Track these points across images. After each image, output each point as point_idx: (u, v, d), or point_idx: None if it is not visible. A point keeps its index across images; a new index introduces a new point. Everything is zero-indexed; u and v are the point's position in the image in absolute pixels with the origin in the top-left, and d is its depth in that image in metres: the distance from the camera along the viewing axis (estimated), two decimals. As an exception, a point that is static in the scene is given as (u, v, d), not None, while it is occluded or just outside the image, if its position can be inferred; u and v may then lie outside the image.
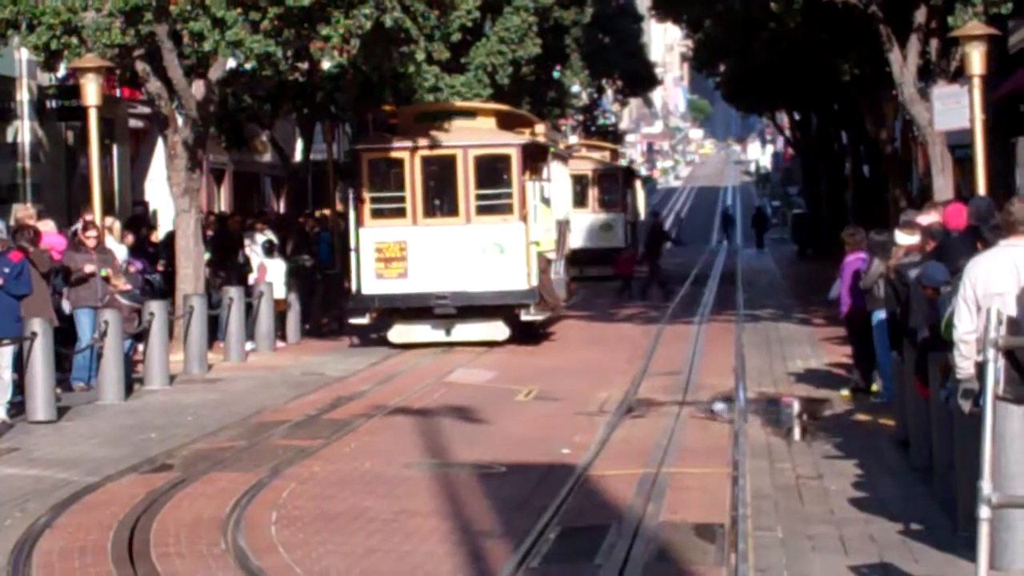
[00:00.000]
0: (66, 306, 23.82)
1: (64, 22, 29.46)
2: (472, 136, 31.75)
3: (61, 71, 33.53)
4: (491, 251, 30.56)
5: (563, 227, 37.43)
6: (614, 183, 58.42)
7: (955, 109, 27.90)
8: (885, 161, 45.53)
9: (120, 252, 26.37)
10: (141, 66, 29.87)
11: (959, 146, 29.86)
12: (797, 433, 18.88)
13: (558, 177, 37.31)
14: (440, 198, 31.99)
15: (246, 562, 12.85)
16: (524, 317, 30.86)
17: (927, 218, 18.36)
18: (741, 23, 41.78)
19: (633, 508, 14.71)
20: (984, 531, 9.61)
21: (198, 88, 30.30)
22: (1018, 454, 11.09)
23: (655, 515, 14.38)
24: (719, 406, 20.70)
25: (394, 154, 31.68)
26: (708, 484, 15.98)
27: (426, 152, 31.29)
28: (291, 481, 16.66)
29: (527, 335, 31.66)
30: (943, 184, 29.66)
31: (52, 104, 37.94)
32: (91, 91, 26.15)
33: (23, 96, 39.43)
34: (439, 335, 30.73)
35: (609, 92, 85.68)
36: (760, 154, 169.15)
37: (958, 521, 12.48)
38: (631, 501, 15.09)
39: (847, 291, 21.90)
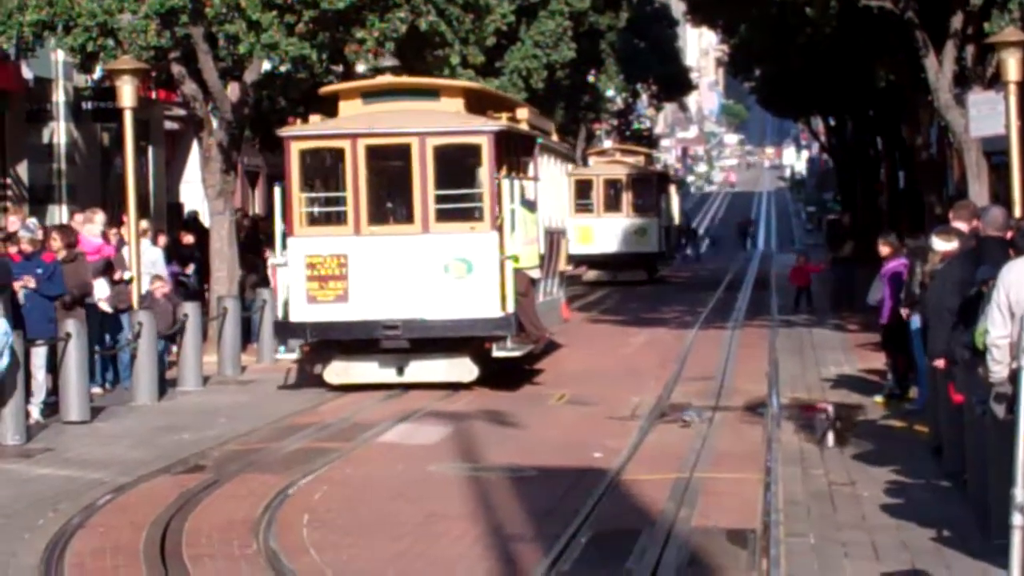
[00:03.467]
0: (105, 306, 23.97)
1: (100, 24, 29.61)
2: (433, 121, 24.60)
3: (97, 73, 33.66)
4: (455, 268, 23.65)
5: (557, 238, 30.48)
6: (648, 188, 58.40)
7: (991, 116, 27.85)
8: (920, 167, 45.48)
9: (154, 254, 26.48)
10: (176, 68, 30.01)
11: (995, 152, 29.80)
12: (830, 439, 18.85)
13: (552, 176, 30.34)
14: (391, 200, 25.96)
15: (278, 564, 12.88)
16: (497, 353, 24.11)
17: (962, 224, 18.33)
18: (777, 28, 41.71)
19: (665, 513, 14.69)
20: (1017, 539, 9.62)
21: (233, 90, 30.43)
22: (1052, 461, 11.08)
23: (687, 520, 14.36)
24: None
25: (332, 143, 24.93)
26: (740, 489, 15.95)
27: (373, 141, 24.30)
28: (323, 483, 16.70)
29: (503, 375, 24.86)
30: (978, 190, 29.60)
31: (88, 106, 38.11)
32: (127, 93, 26.20)
33: (59, 98, 39.63)
34: (388, 375, 24.16)
35: (644, 96, 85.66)
36: (795, 159, 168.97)
37: (991, 528, 12.42)
38: (663, 506, 15.06)
39: (889, 297, 21.82)
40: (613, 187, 57.33)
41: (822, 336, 33.71)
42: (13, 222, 24.49)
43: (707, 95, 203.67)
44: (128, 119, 26.89)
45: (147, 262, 25.65)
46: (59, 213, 36.02)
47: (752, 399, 23.25)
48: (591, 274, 57.38)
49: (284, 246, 24.29)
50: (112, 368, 24.51)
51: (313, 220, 24.75)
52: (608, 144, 73.01)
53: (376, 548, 13.53)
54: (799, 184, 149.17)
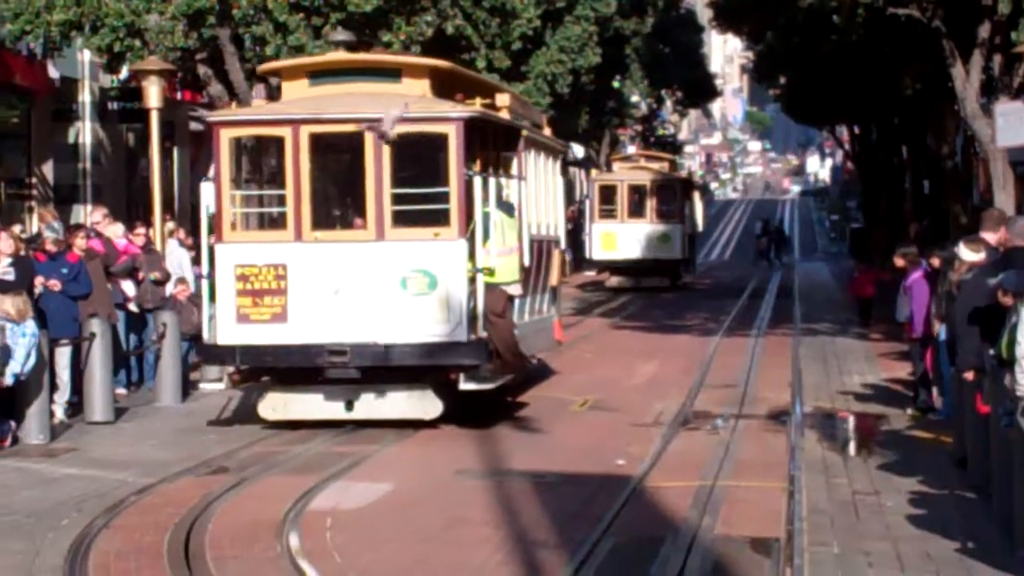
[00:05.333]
0: (131, 306, 24.06)
1: (127, 24, 29.79)
2: (391, 105, 20.00)
3: (123, 73, 33.80)
4: (415, 283, 19.55)
5: (548, 247, 25.38)
6: (672, 194, 58.34)
7: (1018, 125, 27.82)
8: (945, 176, 45.45)
9: (181, 255, 26.55)
10: (203, 69, 30.15)
11: (1021, 163, 29.76)
12: (853, 449, 18.83)
13: (542, 175, 25.34)
14: (340, 200, 21.96)
15: (301, 567, 12.91)
16: (465, 385, 19.92)
17: (990, 235, 18.32)
18: (802, 34, 41.72)
19: (688, 521, 14.68)
20: (1043, 551, 9.61)
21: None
22: (1078, 474, 11.10)
23: (710, 528, 14.35)
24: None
25: (269, 130, 20.66)
26: (764, 498, 15.94)
27: (318, 128, 20.04)
28: (346, 487, 16.73)
29: (472, 409, 20.74)
30: (1004, 200, 29.57)
31: (114, 106, 38.27)
32: (153, 93, 26.36)
33: (85, 98, 39.84)
34: (335, 410, 20.03)
35: (668, 103, 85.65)
36: (819, 167, 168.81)
37: (1015, 540, 12.43)
38: (686, 513, 15.05)
39: (919, 311, 21.66)
40: (637, 193, 57.32)
41: (845, 345, 33.68)
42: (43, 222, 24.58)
43: (731, 102, 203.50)
44: (154, 120, 27.05)
45: (175, 263, 25.73)
46: (84, 213, 36.12)
47: (775, 407, 23.24)
48: (614, 280, 57.37)
49: (211, 254, 20.21)
50: (137, 368, 24.58)
51: (245, 223, 20.73)
52: (632, 150, 73.06)
53: (399, 552, 13.56)
54: (822, 192, 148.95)
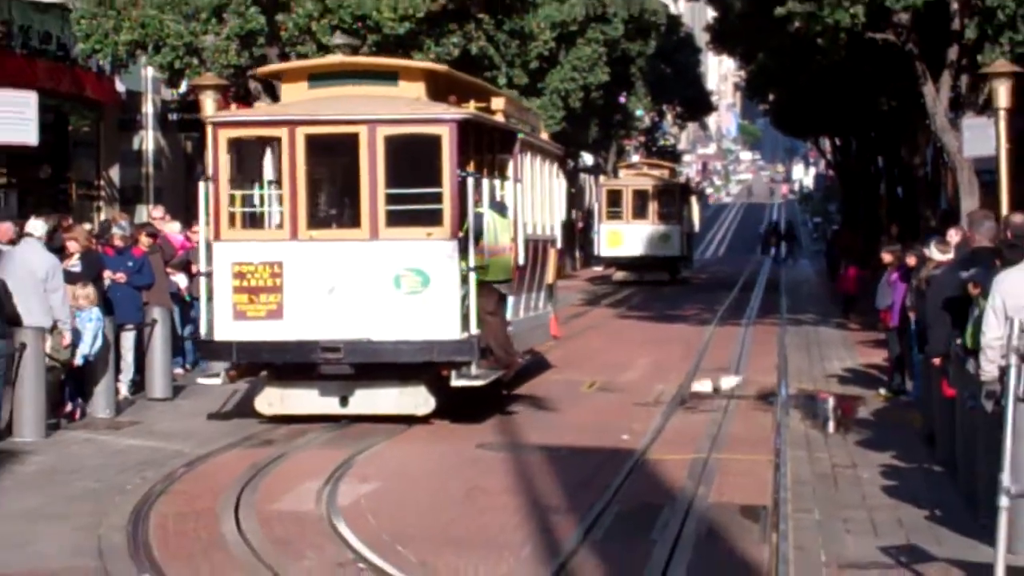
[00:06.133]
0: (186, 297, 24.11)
1: (186, 44, 29.81)
2: (386, 107, 18.80)
3: (182, 87, 33.84)
4: (408, 281, 18.14)
5: (544, 247, 24.13)
6: (672, 198, 58.35)
7: (982, 138, 27.78)
8: (917, 184, 45.35)
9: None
10: (253, 84, 30.11)
11: (985, 171, 29.67)
12: (833, 426, 18.82)
13: (539, 177, 23.85)
14: (335, 200, 20.85)
15: (339, 525, 12.92)
16: (456, 382, 18.43)
17: (956, 235, 18.37)
18: (790, 56, 41.60)
19: (685, 490, 14.68)
20: (1003, 519, 9.59)
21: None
22: (1035, 450, 11.08)
23: (705, 497, 14.35)
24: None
25: (266, 131, 19.28)
26: (753, 470, 15.94)
27: (314, 130, 18.54)
28: (379, 458, 16.75)
29: (466, 405, 19.13)
30: (970, 205, 29.47)
31: (173, 117, 38.37)
32: (208, 106, 26.26)
33: (148, 109, 39.89)
34: (330, 405, 18.61)
35: (669, 116, 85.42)
36: (804, 175, 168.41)
37: (979, 509, 12.40)
38: (683, 483, 15.06)
39: (899, 302, 21.68)
40: (640, 197, 57.31)
41: (826, 334, 33.64)
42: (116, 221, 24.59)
43: (725, 116, 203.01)
44: (210, 129, 27.01)
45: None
46: (146, 213, 36.17)
47: (763, 389, 23.23)
48: (619, 274, 57.40)
49: (209, 252, 18.74)
50: (192, 352, 24.57)
51: (243, 222, 19.06)
52: (636, 158, 72.85)
53: (426, 517, 13.57)
54: (807, 197, 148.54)
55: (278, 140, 18.88)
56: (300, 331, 18.09)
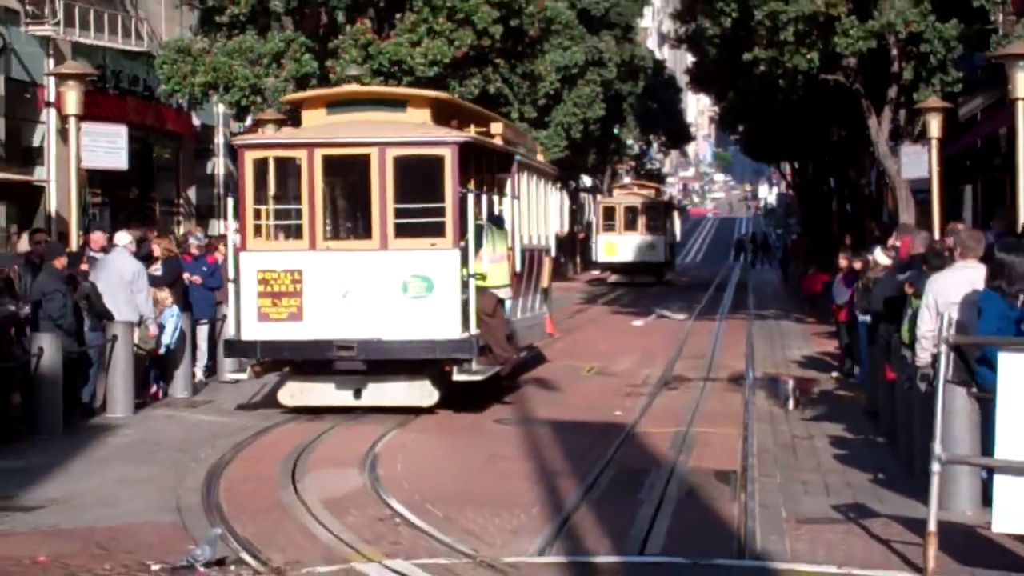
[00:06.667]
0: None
1: (251, 85, 29.83)
2: (395, 131, 17.98)
3: (247, 121, 33.85)
4: (414, 287, 17.32)
5: (539, 255, 23.07)
6: (657, 213, 58.42)
7: (917, 163, 27.81)
8: (863, 200, 45.25)
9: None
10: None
11: (920, 190, 29.63)
12: (792, 404, 18.79)
13: (535, 194, 22.82)
14: (348, 214, 19.76)
15: (378, 488, 12.92)
16: (457, 376, 17.56)
17: (897, 243, 18.37)
18: (756, 95, 41.54)
19: (668, 458, 14.66)
20: (935, 482, 9.59)
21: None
22: (961, 424, 11.07)
23: (685, 463, 14.34)
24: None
25: (288, 152, 18.18)
26: (725, 441, 15.90)
27: (330, 151, 17.76)
28: (412, 431, 16.72)
29: (466, 397, 18.26)
30: (907, 218, 29.45)
31: (240, 146, 38.37)
32: (270, 137, 26.29)
33: (219, 140, 39.99)
34: (345, 397, 17.76)
35: (654, 144, 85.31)
36: (768, 193, 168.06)
37: (915, 473, 12.39)
38: (666, 452, 15.04)
39: (847, 301, 21.75)
40: (631, 212, 57.36)
41: (788, 327, 33.61)
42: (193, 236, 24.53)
43: (702, 144, 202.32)
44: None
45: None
46: (219, 227, 36.24)
47: (734, 373, 23.20)
48: (613, 277, 57.35)
49: (236, 261, 17.79)
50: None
51: (267, 234, 18.08)
52: (627, 180, 72.76)
53: (453, 480, 13.57)
54: (770, 212, 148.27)
55: (298, 161, 17.89)
56: (318, 331, 17.28)
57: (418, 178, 17.89)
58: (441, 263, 17.28)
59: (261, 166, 17.97)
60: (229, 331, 18.08)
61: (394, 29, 30.81)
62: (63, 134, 24.57)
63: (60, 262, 17.17)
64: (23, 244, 19.35)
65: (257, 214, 17.71)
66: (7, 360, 15.68)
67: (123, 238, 19.24)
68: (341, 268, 17.41)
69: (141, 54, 35.32)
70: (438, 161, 17.38)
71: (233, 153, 37.76)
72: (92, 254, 19.12)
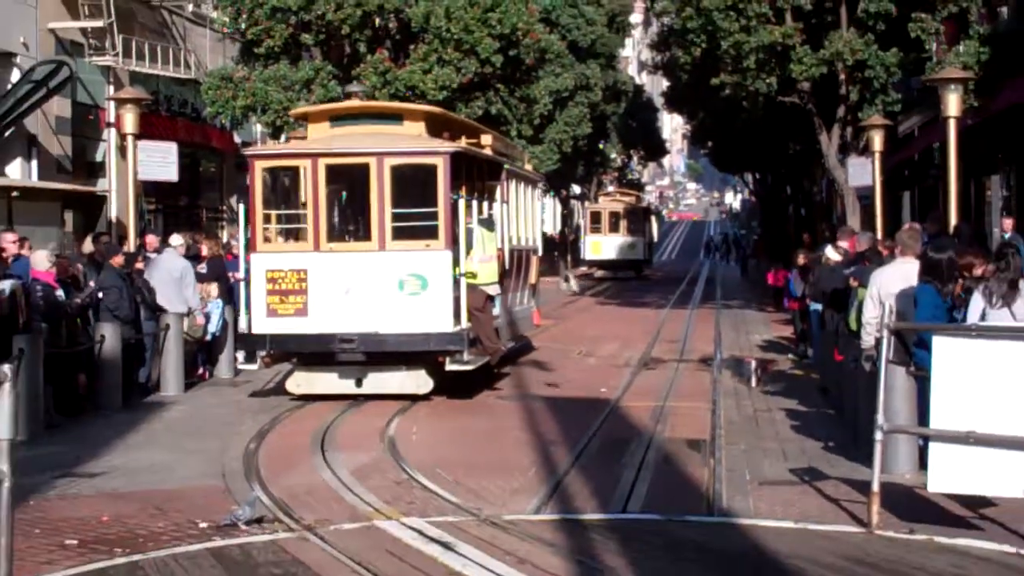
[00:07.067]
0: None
1: (284, 107, 29.71)
2: (392, 142, 17.17)
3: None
4: (410, 284, 16.51)
5: (527, 255, 22.17)
6: (637, 217, 58.45)
7: (862, 173, 27.83)
8: (815, 206, 45.32)
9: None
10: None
11: (864, 197, 29.65)
12: (754, 382, 18.80)
13: (522, 199, 21.81)
14: (349, 218, 18.64)
15: (396, 454, 12.94)
16: (450, 366, 16.79)
17: (844, 242, 18.38)
18: (723, 114, 41.57)
19: (647, 428, 14.67)
20: (878, 448, 9.59)
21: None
22: (901, 398, 11.08)
23: (662, 432, 14.34)
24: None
25: (293, 162, 17.38)
26: (696, 414, 15.91)
27: (332, 161, 16.90)
28: (426, 406, 16.70)
29: (459, 386, 17.35)
30: (853, 222, 29.42)
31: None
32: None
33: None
34: (347, 386, 16.94)
35: (635, 158, 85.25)
36: (733, 199, 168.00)
37: (860, 442, 12.40)
38: (646, 424, 15.05)
39: (800, 293, 21.81)
40: (614, 216, 57.39)
41: (751, 315, 33.62)
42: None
43: (676, 157, 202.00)
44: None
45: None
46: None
47: (704, 355, 23.20)
48: (599, 273, 57.38)
49: (247, 262, 17.09)
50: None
51: (275, 237, 17.18)
52: (611, 188, 72.70)
53: (461, 448, 13.57)
54: (735, 216, 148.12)
55: (303, 169, 17.02)
56: (321, 326, 16.46)
57: (413, 185, 17.20)
58: (434, 263, 16.50)
59: (269, 174, 17.34)
60: (241, 325, 17.34)
61: (408, 58, 30.77)
62: (122, 150, 24.58)
63: (118, 260, 17.19)
64: (87, 246, 19.26)
65: (266, 218, 16.99)
66: (74, 346, 15.72)
67: (176, 240, 19.32)
68: (343, 268, 16.62)
69: (189, 81, 35.29)
70: (431, 169, 16.67)
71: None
72: (147, 254, 19.13)
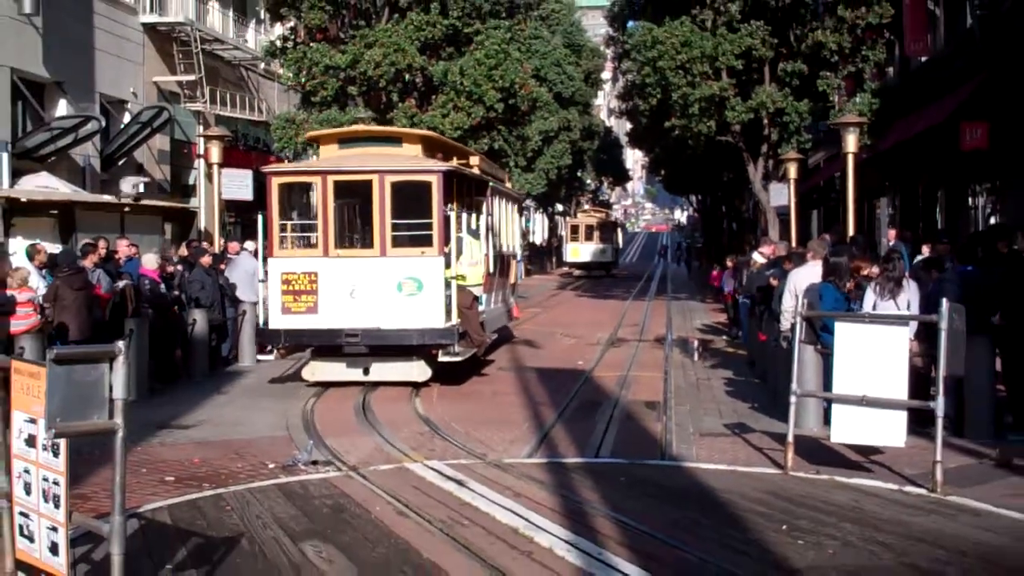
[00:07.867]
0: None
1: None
2: (392, 162, 15.73)
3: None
4: (407, 286, 15.15)
5: (508, 259, 20.59)
6: (607, 229, 58.39)
7: (781, 196, 27.73)
8: (744, 221, 45.23)
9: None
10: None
11: (782, 214, 29.60)
12: (696, 357, 18.77)
13: (504, 213, 20.13)
14: (354, 228, 17.28)
15: (420, 412, 12.91)
16: (442, 358, 15.49)
17: (767, 249, 18.32)
18: (674, 150, 41.48)
19: (614, 392, 14.65)
20: (792, 409, 9.59)
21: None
22: (810, 370, 11.06)
23: (626, 396, 14.31)
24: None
25: (305, 179, 16.06)
26: (652, 381, 15.88)
27: (340, 178, 15.48)
28: (442, 376, 16.66)
29: (452, 374, 16.12)
30: (773, 234, 29.38)
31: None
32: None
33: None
34: (355, 374, 15.42)
35: (605, 183, 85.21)
36: (681, 216, 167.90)
37: (778, 404, 12.40)
38: (613, 389, 15.03)
39: (732, 288, 21.83)
40: (589, 228, 57.30)
41: (693, 305, 33.54)
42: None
43: (636, 183, 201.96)
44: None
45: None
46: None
47: (658, 335, 23.15)
48: (577, 272, 57.28)
49: (266, 265, 15.96)
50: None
51: (290, 244, 15.65)
52: (587, 206, 72.65)
53: (472, 409, 13.53)
54: (682, 228, 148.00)
55: (314, 185, 15.69)
56: (330, 322, 15.07)
57: (411, 199, 15.64)
58: (429, 267, 15.15)
59: (285, 190, 15.89)
60: (260, 321, 16.24)
61: (431, 105, 30.74)
62: (209, 176, 24.50)
63: (206, 261, 17.16)
64: (182, 250, 19.26)
65: (282, 227, 15.97)
66: (172, 327, 15.69)
67: (250, 246, 19.28)
68: (349, 271, 15.25)
69: (261, 123, 35.23)
70: (427, 186, 15.25)
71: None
72: (229, 256, 19.09)
